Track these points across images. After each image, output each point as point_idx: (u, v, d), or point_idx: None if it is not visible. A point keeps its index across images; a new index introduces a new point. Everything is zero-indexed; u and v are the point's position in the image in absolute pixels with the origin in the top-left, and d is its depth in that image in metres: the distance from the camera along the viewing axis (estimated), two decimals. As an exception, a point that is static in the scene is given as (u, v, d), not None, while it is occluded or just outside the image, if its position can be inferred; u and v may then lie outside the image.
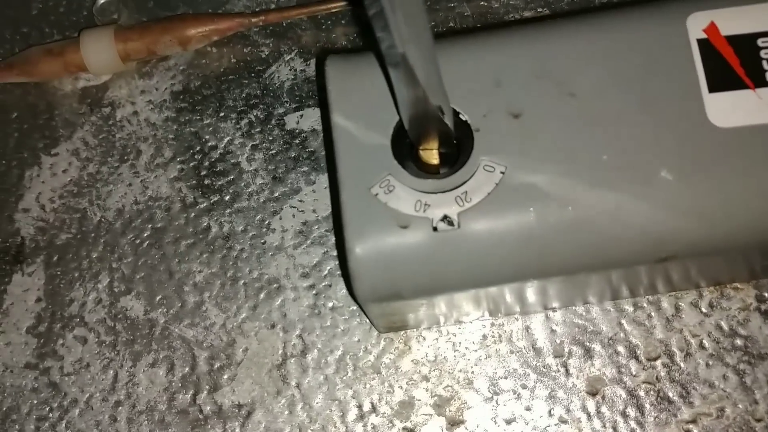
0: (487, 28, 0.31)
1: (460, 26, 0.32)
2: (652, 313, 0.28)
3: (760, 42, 0.23)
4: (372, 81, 0.24)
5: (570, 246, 0.22)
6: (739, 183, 0.22)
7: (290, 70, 0.32)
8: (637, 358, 0.27)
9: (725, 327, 0.27)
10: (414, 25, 0.18)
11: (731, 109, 0.22)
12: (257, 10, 0.33)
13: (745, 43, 0.23)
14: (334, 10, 0.32)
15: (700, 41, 0.23)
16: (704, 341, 0.27)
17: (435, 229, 0.22)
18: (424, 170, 0.23)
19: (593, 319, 0.28)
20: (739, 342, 0.27)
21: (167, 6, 0.34)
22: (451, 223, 0.22)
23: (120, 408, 0.28)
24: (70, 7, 0.34)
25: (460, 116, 0.23)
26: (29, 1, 0.34)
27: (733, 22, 0.23)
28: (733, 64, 0.23)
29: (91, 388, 0.29)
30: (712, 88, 0.22)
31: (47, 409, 0.29)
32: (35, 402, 0.29)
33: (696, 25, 0.23)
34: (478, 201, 0.22)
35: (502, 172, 0.22)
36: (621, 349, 0.27)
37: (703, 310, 0.27)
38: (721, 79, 0.22)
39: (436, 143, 0.23)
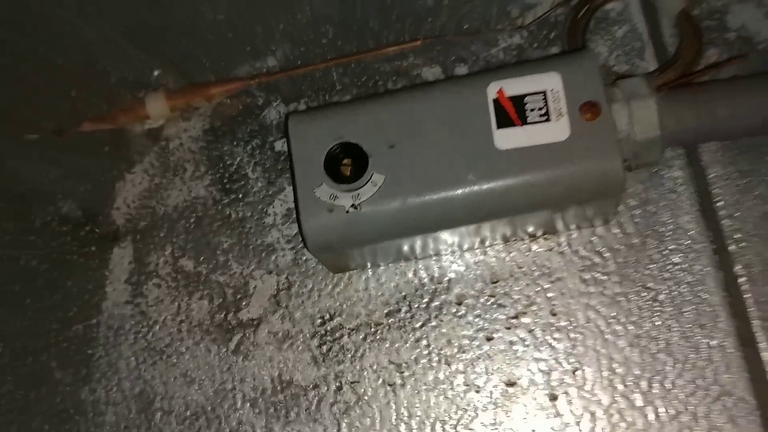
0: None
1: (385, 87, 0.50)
2: (501, 250, 0.45)
3: (525, 99, 0.40)
4: (315, 129, 0.42)
5: (422, 217, 0.40)
6: (513, 179, 0.39)
7: (277, 112, 0.50)
8: (485, 281, 0.45)
9: (536, 261, 0.45)
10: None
11: (508, 138, 0.40)
12: (254, 74, 0.51)
13: (518, 99, 0.40)
14: (304, 73, 0.50)
15: (494, 100, 0.40)
16: (524, 269, 0.45)
17: (347, 211, 0.40)
18: (343, 179, 0.41)
19: (465, 259, 0.46)
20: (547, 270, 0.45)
21: (199, 74, 0.52)
22: (355, 207, 0.40)
23: (182, 324, 0.48)
24: (137, 77, 0.53)
25: (361, 147, 0.41)
26: (108, 74, 0.53)
27: (512, 88, 0.40)
28: (510, 112, 0.40)
29: (165, 314, 0.48)
30: (499, 126, 0.40)
31: (140, 326, 0.48)
32: (132, 323, 0.48)
33: (492, 90, 0.41)
34: (371, 195, 0.40)
35: (384, 180, 0.40)
36: (479, 275, 0.45)
37: (533, 247, 0.45)
38: (504, 121, 0.40)
39: (348, 163, 0.41)
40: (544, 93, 0.40)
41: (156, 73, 0.52)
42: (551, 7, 0.49)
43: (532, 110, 0.40)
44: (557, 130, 0.39)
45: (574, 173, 0.39)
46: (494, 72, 0.41)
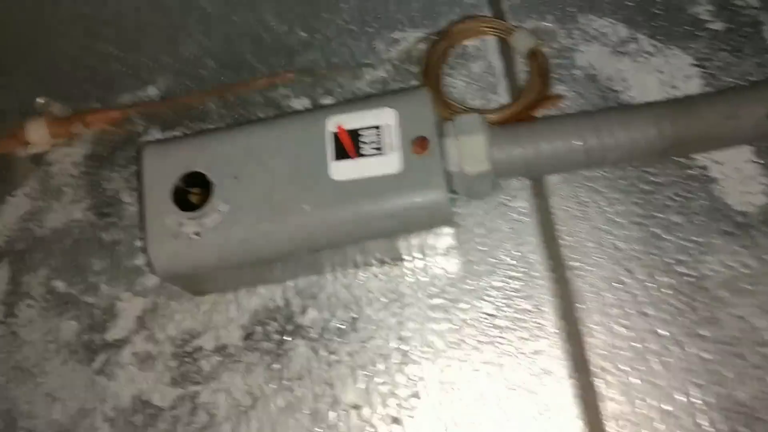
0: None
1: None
2: (354, 276, 0.47)
3: (359, 132, 0.42)
4: (167, 159, 0.44)
5: (262, 245, 0.42)
6: (346, 210, 0.41)
7: (155, 139, 0.52)
8: (338, 306, 0.47)
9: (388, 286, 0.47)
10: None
11: (343, 170, 0.42)
12: (134, 103, 0.53)
13: (354, 133, 0.42)
14: (183, 103, 0.52)
15: (333, 133, 0.42)
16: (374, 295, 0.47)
17: (191, 238, 0.42)
18: (191, 207, 0.43)
19: (320, 284, 0.47)
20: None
21: (85, 101, 0.54)
22: (198, 235, 0.42)
23: (50, 344, 0.49)
24: (23, 104, 0.55)
25: (206, 177, 0.43)
26: (-4, 100, 0.55)
27: (350, 122, 0.42)
28: (346, 145, 0.42)
29: (35, 334, 0.49)
30: (336, 158, 0.42)
31: (10, 346, 0.49)
32: (3, 343, 0.50)
33: (331, 124, 0.43)
34: (213, 224, 0.42)
35: (227, 208, 0.42)
36: (333, 299, 0.47)
37: (383, 274, 0.47)
38: (340, 153, 0.42)
39: (197, 192, 0.43)
40: (378, 128, 0.42)
41: (40, 100, 0.54)
42: (414, 42, 0.51)
43: (366, 143, 0.42)
44: (389, 163, 0.41)
45: (404, 204, 0.41)
46: (335, 106, 0.44)
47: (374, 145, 0.42)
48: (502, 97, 0.49)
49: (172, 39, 0.55)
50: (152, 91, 0.54)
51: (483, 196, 0.45)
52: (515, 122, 0.45)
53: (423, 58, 0.50)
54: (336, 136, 0.42)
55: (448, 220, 0.42)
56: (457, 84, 0.50)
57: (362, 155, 0.42)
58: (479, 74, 0.50)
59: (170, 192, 0.43)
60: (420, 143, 0.41)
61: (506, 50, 0.50)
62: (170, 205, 0.43)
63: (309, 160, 0.42)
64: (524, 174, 0.44)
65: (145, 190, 0.43)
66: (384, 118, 0.42)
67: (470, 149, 0.42)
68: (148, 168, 0.44)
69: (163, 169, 0.43)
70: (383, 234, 0.42)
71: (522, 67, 0.49)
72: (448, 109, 0.48)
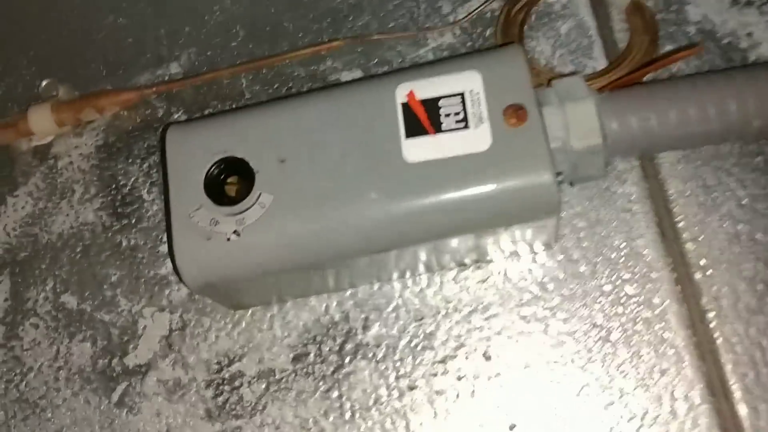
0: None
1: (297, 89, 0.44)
2: (426, 282, 0.39)
3: (440, 102, 0.34)
4: (195, 142, 0.35)
5: (316, 246, 0.33)
6: (424, 198, 0.33)
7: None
8: (408, 319, 0.38)
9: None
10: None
11: (419, 149, 0.33)
12: (153, 83, 0.45)
13: (431, 103, 0.34)
14: (210, 80, 0.44)
15: (403, 104, 0.34)
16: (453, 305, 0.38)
17: (228, 239, 0.34)
18: (227, 200, 0.34)
19: (385, 293, 0.39)
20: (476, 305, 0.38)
21: (95, 83, 0.46)
22: (237, 234, 0.33)
23: (60, 371, 0.41)
24: (26, 88, 0.47)
25: (247, 163, 0.34)
26: (-4, 85, 0.47)
27: (424, 90, 0.34)
28: (422, 118, 0.34)
29: (41, 359, 0.41)
30: (408, 135, 0.33)
31: (12, 374, 0.41)
32: (4, 371, 0.42)
33: (401, 93, 0.34)
34: (255, 219, 0.33)
35: (272, 200, 0.34)
36: (400, 311, 0.38)
37: (463, 279, 0.38)
38: (414, 129, 0.33)
39: (234, 181, 0.35)
40: (461, 95, 0.34)
41: (44, 83, 0.46)
42: (487, 0, 0.42)
43: (447, 116, 0.33)
44: (477, 139, 0.33)
45: (497, 189, 0.32)
46: (404, 72, 0.35)
47: (457, 117, 0.33)
48: (599, 61, 0.40)
49: (195, 6, 0.47)
50: (174, 68, 0.45)
51: (591, 179, 0.36)
52: (626, 86, 0.36)
53: (499, 19, 0.42)
54: (408, 108, 0.34)
55: (552, 210, 0.33)
56: (543, 48, 0.41)
57: (443, 130, 0.33)
58: (568, 35, 0.41)
59: (201, 183, 0.35)
60: (515, 113, 0.33)
61: (600, 5, 0.41)
62: (202, 198, 0.34)
63: (375, 138, 0.34)
64: (642, 150, 0.36)
65: (170, 182, 0.35)
66: (468, 83, 0.34)
67: (578, 118, 0.33)
68: (173, 155, 0.36)
69: (192, 155, 0.35)
70: (469, 228, 0.34)
71: (621, 25, 0.41)
72: (535, 77, 0.39)
